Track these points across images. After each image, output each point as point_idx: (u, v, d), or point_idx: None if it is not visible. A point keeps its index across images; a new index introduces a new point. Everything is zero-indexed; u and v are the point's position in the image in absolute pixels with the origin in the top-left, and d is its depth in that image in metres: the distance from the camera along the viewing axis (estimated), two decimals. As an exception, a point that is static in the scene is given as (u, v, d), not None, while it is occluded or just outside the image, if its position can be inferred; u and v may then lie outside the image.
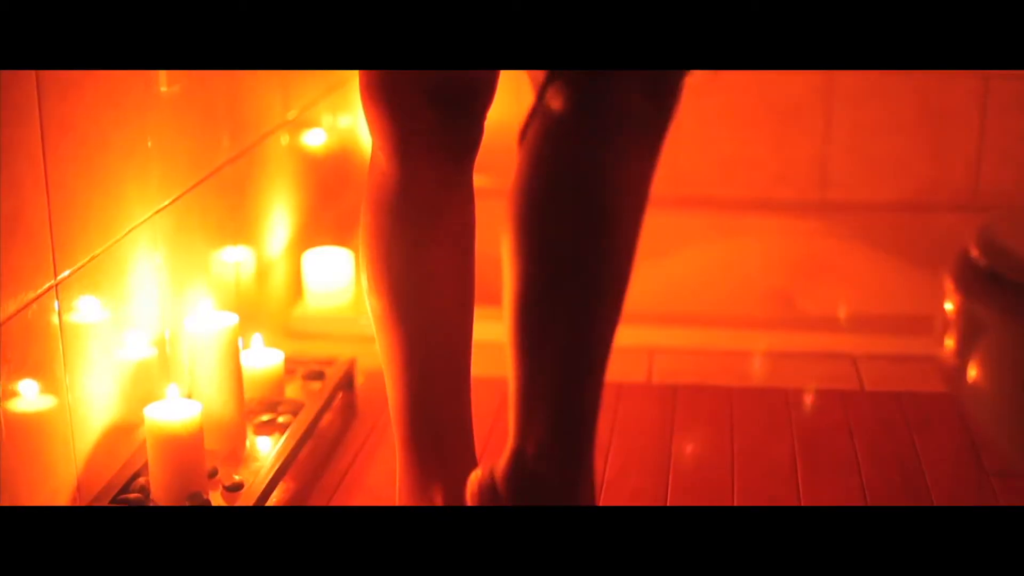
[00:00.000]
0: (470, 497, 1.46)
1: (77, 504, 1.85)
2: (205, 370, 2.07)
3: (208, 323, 2.07)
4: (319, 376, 2.34)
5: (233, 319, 2.08)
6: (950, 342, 1.85)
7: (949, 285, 1.85)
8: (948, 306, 1.85)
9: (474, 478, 1.46)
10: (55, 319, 1.79)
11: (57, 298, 1.79)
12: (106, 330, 1.94)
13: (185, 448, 1.90)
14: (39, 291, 1.75)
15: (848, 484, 2.09)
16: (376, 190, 1.68)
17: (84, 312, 1.87)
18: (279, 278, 2.70)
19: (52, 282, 1.78)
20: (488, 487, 1.44)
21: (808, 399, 2.40)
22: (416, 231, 1.67)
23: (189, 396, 2.12)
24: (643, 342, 2.56)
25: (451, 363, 1.73)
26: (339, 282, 2.77)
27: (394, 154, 1.64)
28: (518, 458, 1.42)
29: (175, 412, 1.90)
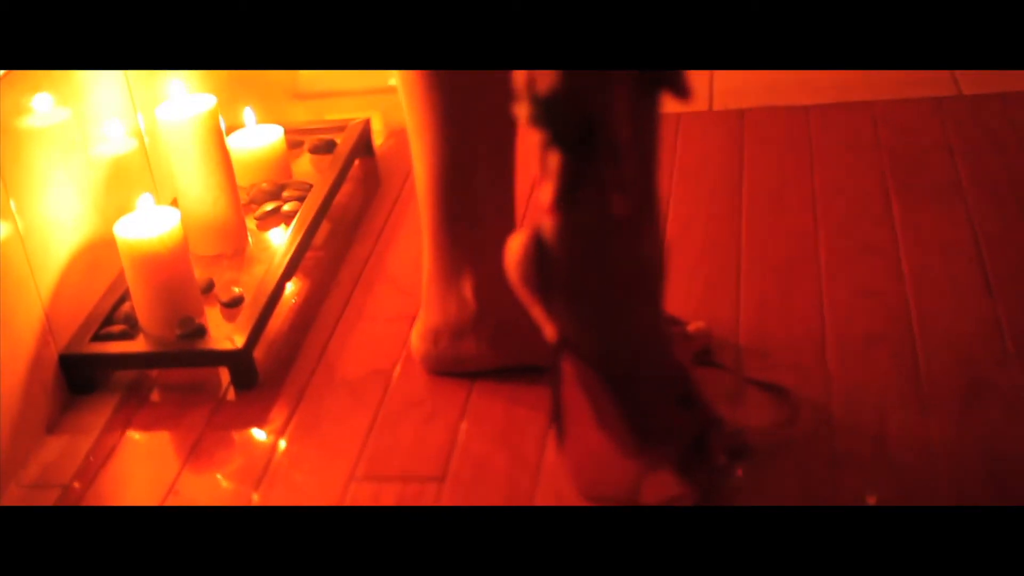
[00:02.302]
0: (511, 261, 1.25)
1: (49, 348, 1.60)
2: (185, 166, 1.78)
3: (181, 110, 1.77)
4: (329, 147, 2.04)
5: (209, 101, 1.77)
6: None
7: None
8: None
9: (517, 239, 1.25)
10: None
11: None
12: (61, 132, 1.65)
13: (168, 266, 1.63)
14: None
15: (952, 212, 1.77)
16: None
17: (30, 110, 1.58)
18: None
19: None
20: (533, 242, 1.23)
21: (897, 111, 2.06)
22: None
23: (174, 201, 1.83)
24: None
25: (495, 127, 1.47)
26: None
27: None
28: (565, 209, 1.21)
29: (151, 226, 1.62)
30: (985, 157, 1.89)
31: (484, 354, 1.54)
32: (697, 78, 2.12)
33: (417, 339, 1.59)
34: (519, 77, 1.19)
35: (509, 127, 1.49)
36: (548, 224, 1.24)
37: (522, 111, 1.19)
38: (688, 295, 1.67)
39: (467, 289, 1.52)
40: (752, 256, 1.74)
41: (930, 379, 1.47)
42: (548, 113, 1.18)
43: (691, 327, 1.56)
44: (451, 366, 1.57)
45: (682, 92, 1.22)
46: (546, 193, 1.21)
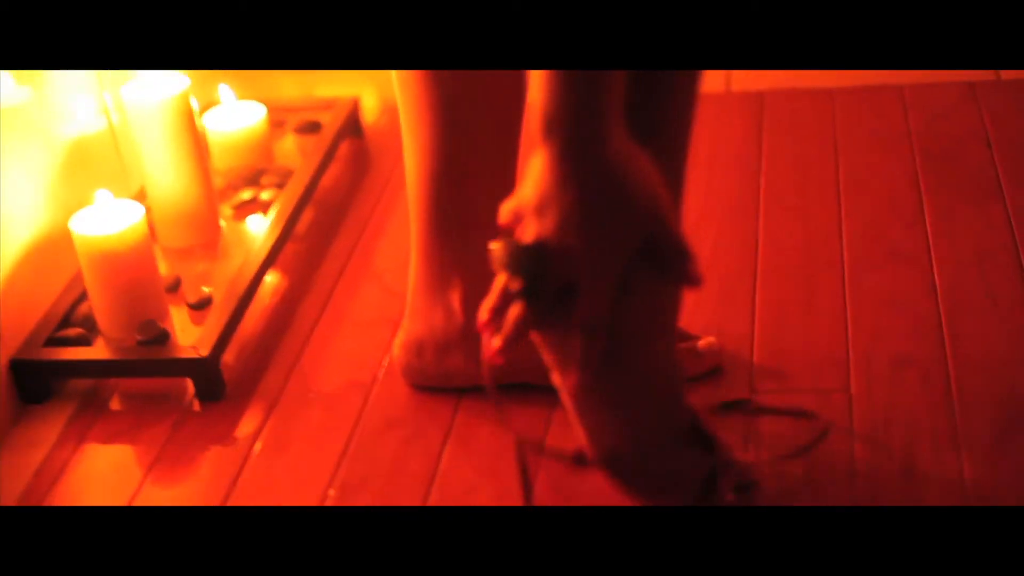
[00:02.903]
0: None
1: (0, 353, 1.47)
2: (154, 151, 1.63)
3: (150, 91, 1.62)
4: (315, 127, 1.89)
5: (181, 82, 1.63)
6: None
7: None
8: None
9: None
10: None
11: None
12: (19, 115, 1.51)
13: (129, 265, 1.49)
14: None
15: (990, 215, 1.62)
16: None
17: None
18: None
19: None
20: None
21: (929, 95, 1.90)
22: None
23: (141, 189, 1.69)
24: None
25: (497, 125, 1.35)
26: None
27: None
28: None
29: (111, 221, 1.48)
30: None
31: (472, 371, 1.40)
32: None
33: (400, 350, 1.45)
34: (505, 215, 1.09)
35: (512, 127, 1.35)
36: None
37: (497, 252, 1.10)
38: (699, 305, 1.52)
39: (455, 300, 1.38)
40: (769, 262, 1.59)
41: (963, 410, 1.32)
42: (524, 263, 1.08)
43: (701, 343, 1.42)
44: (436, 381, 1.43)
45: (689, 279, 1.11)
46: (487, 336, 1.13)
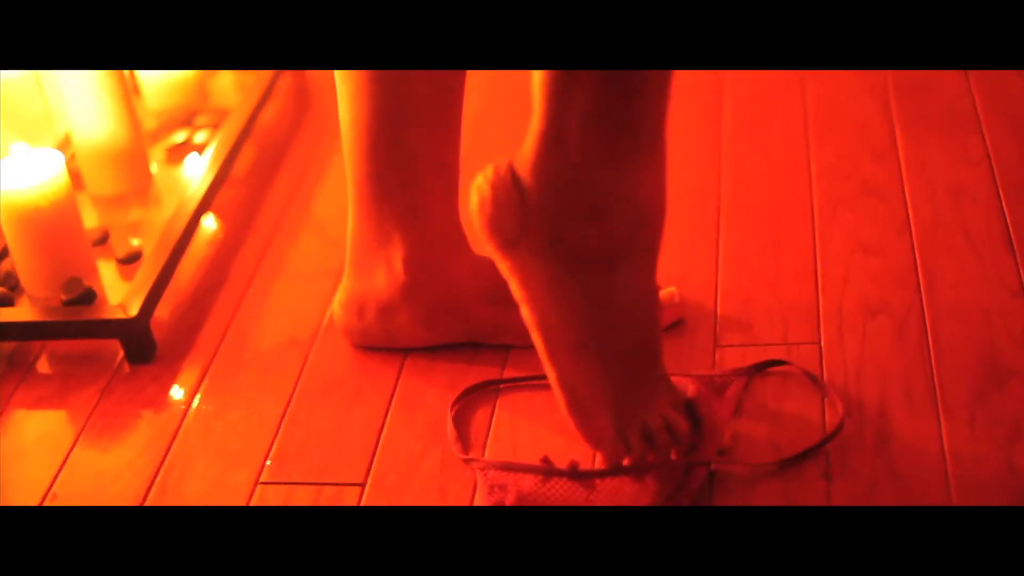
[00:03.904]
0: (476, 196, 1.08)
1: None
2: (78, 93, 1.52)
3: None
4: (253, 61, 1.78)
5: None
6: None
7: None
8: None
9: (484, 175, 1.08)
10: None
11: None
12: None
13: (52, 220, 1.39)
14: None
15: (966, 146, 1.53)
16: None
17: None
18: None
19: None
20: (506, 181, 1.06)
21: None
22: None
23: (66, 136, 1.59)
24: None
25: (437, 75, 1.24)
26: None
27: None
28: (552, 141, 1.03)
29: (31, 173, 1.38)
30: (1004, 79, 1.64)
31: (416, 332, 1.32)
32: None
33: (340, 309, 1.36)
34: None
35: (452, 80, 1.24)
36: (526, 157, 1.04)
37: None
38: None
39: (396, 258, 1.29)
40: (734, 202, 1.50)
41: (939, 362, 1.23)
42: None
43: (662, 294, 1.33)
44: (378, 341, 1.35)
45: None
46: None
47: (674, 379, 1.18)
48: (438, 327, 1.31)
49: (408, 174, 1.25)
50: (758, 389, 1.24)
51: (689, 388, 1.19)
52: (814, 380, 1.23)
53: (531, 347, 1.12)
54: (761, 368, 1.25)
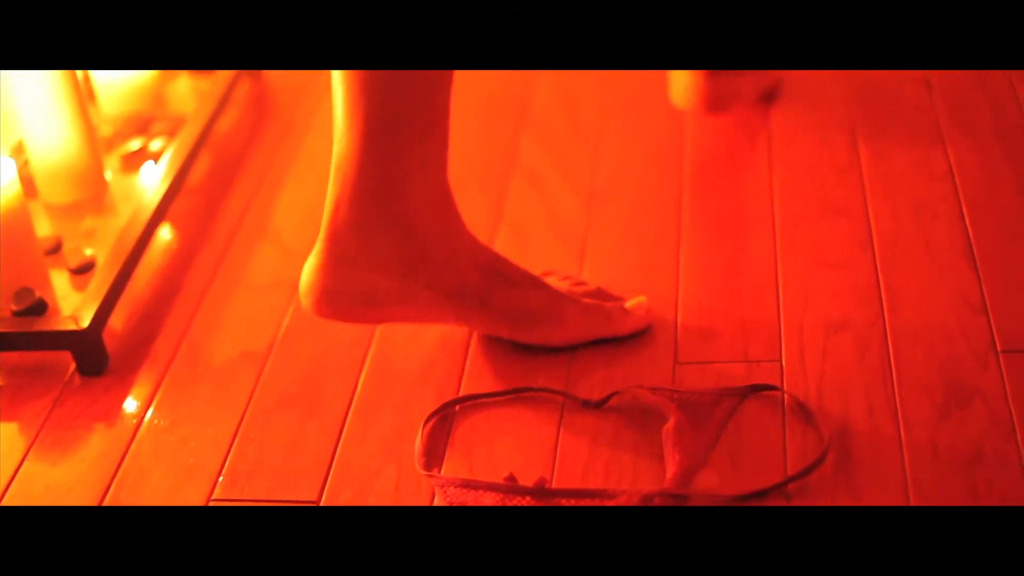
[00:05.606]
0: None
1: None
2: (31, 98, 1.50)
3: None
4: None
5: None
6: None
7: None
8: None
9: None
10: None
11: None
12: None
13: (2, 228, 1.36)
14: None
15: (929, 161, 1.52)
16: None
17: None
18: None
19: None
20: None
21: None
22: None
23: (19, 143, 1.56)
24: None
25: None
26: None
27: None
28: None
29: (-23, 180, 1.36)
30: (968, 94, 1.63)
31: (408, 291, 1.25)
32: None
33: (315, 273, 1.25)
34: None
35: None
36: None
37: None
38: (620, 263, 1.42)
39: (414, 215, 1.24)
40: (695, 217, 1.48)
41: (901, 380, 1.23)
42: None
43: (630, 304, 1.32)
44: (354, 308, 1.26)
45: None
46: None
47: (657, 402, 1.18)
48: (432, 280, 1.26)
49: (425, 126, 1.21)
50: (740, 411, 1.23)
51: (671, 416, 1.18)
52: (803, 407, 1.21)
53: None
54: (751, 392, 1.24)
